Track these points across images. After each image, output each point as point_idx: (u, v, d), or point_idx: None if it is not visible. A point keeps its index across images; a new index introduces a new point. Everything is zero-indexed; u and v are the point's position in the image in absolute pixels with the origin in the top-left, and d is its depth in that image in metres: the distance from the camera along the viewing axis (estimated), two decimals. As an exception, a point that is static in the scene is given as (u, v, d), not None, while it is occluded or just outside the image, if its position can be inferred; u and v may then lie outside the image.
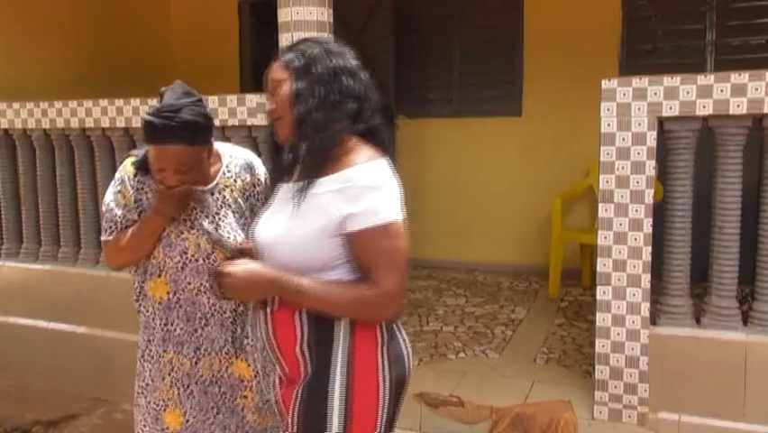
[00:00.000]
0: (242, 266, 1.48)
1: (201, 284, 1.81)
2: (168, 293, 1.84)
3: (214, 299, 1.82)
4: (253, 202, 1.85)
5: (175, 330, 1.86)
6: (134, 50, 5.50)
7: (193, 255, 1.78)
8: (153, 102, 3.34)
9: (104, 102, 3.49)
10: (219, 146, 1.86)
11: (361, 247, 1.42)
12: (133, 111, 3.40)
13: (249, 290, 1.48)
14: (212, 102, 3.10)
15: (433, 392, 2.93)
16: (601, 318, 2.65)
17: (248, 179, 1.85)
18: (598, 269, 2.63)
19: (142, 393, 1.91)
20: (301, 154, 1.51)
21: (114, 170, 3.54)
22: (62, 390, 3.68)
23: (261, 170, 1.90)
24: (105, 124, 3.50)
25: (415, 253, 6.06)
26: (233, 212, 1.81)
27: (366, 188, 1.41)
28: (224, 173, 1.83)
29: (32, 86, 4.47)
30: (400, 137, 5.16)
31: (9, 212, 3.97)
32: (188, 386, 1.88)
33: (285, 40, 2.90)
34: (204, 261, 1.79)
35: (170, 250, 1.80)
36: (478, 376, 3.18)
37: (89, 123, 3.54)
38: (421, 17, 5.29)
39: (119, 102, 3.45)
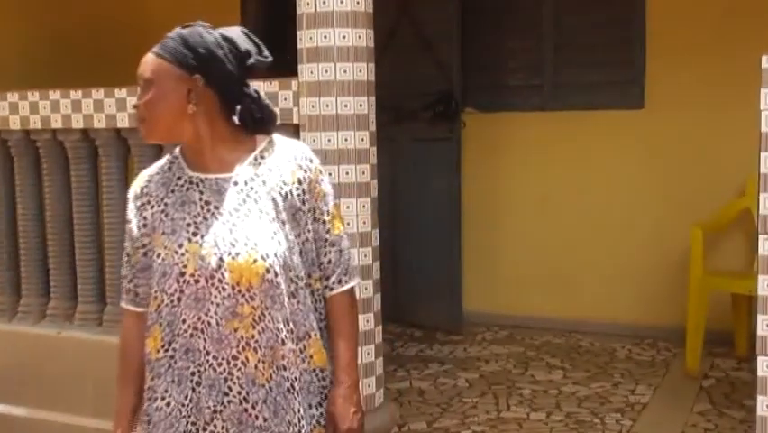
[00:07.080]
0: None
1: (199, 318, 1.84)
2: (159, 348, 1.88)
3: (210, 345, 1.84)
4: (295, 203, 1.89)
5: (167, 403, 1.89)
6: (101, 31, 5.68)
7: (192, 275, 1.82)
8: (122, 92, 3.43)
9: (54, 94, 3.60)
10: (274, 137, 1.97)
11: None
12: (95, 106, 3.50)
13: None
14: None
15: None
16: (765, 404, 2.60)
17: (291, 173, 1.91)
18: (759, 331, 2.59)
19: None
20: None
21: (69, 188, 3.67)
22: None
23: (312, 165, 1.95)
24: (57, 124, 3.61)
25: (489, 307, 5.97)
26: (260, 210, 1.86)
27: None
28: (254, 159, 1.91)
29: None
30: (467, 138, 5.18)
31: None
32: None
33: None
34: (206, 282, 1.82)
35: (165, 279, 1.84)
36: (582, 487, 3.15)
37: (34, 122, 3.65)
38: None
39: (76, 94, 3.55)
